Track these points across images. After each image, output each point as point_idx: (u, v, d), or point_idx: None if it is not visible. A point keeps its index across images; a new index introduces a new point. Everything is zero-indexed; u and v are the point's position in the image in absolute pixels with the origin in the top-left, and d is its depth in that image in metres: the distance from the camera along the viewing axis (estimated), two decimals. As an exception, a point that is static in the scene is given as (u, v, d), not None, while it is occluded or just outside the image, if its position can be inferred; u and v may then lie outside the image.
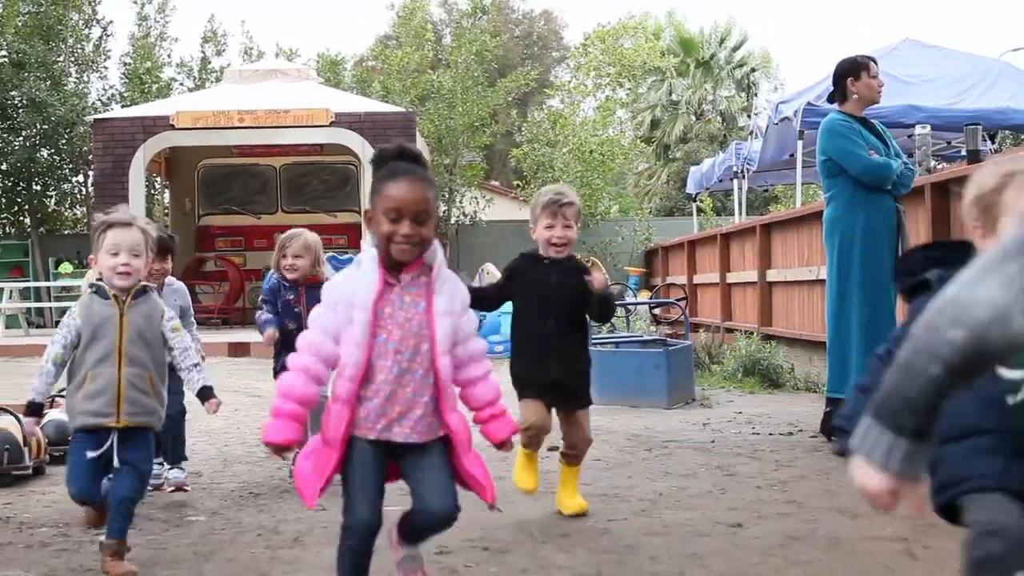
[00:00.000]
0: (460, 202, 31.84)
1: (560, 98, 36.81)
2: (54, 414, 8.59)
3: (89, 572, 5.43)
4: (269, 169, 26.73)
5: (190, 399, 6.59)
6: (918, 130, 13.29)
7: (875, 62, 8.99)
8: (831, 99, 9.24)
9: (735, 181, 23.53)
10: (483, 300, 6.57)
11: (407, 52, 33.16)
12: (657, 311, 21.78)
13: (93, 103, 30.88)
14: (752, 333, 15.30)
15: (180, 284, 7.83)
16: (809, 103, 16.06)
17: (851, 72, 8.91)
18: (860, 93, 8.86)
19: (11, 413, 8.03)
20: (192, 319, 7.73)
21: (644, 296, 24.83)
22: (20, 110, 29.34)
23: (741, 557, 5.41)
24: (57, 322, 6.63)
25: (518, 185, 33.95)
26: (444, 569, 5.31)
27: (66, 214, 33.38)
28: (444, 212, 31.44)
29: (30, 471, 7.91)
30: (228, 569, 5.50)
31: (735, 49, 51.36)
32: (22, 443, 7.82)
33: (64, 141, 29.44)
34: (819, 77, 16.52)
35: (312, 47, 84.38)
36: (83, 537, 6.14)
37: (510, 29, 51.46)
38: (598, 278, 6.29)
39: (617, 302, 18.37)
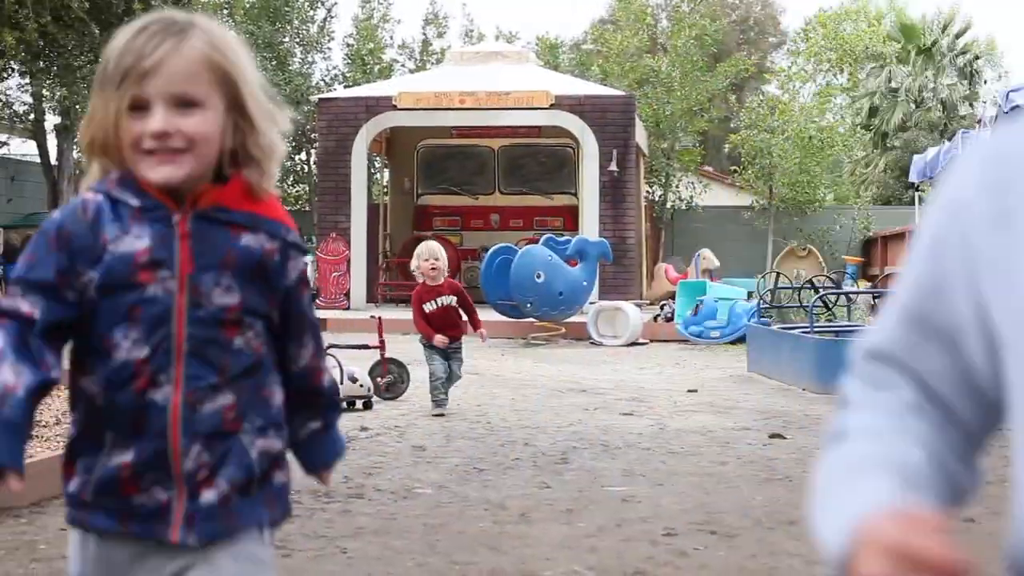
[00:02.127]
0: (676, 187, 31.75)
1: (779, 83, 36.31)
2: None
3: (321, 539, 5.55)
4: (487, 150, 26.89)
5: None
6: None
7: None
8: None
9: (960, 171, 22.96)
10: None
11: (626, 36, 33.08)
12: (878, 301, 21.41)
13: (316, 83, 31.59)
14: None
15: None
16: (1042, 91, 15.57)
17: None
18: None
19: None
20: None
21: (863, 286, 24.45)
22: (247, 89, 30.06)
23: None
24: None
25: (734, 171, 33.67)
26: (673, 551, 5.31)
27: (288, 191, 34.16)
28: (660, 196, 31.39)
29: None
30: (459, 541, 5.58)
31: (958, 36, 50.04)
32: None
33: (288, 120, 30.08)
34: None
35: (530, 30, 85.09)
36: (314, 504, 6.26)
37: (726, 13, 50.96)
38: None
39: (837, 291, 18.08)
